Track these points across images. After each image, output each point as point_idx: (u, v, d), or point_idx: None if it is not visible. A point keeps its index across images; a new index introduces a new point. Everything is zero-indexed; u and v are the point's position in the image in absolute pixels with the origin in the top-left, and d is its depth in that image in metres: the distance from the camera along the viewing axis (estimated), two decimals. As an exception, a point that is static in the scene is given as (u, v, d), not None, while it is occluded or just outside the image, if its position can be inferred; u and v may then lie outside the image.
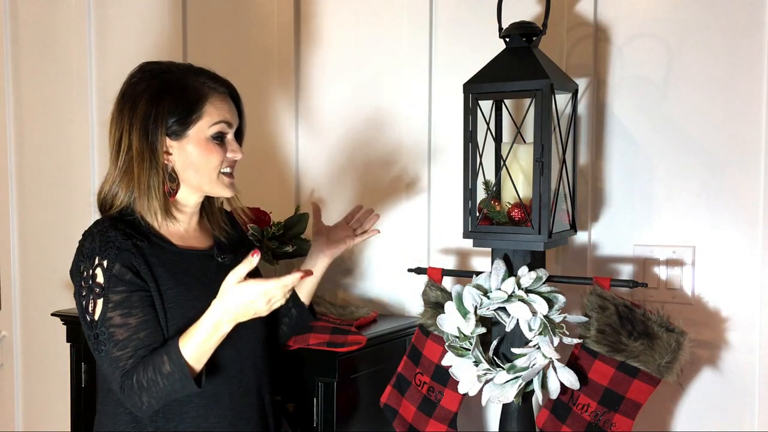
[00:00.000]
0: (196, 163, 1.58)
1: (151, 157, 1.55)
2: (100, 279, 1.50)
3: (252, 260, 1.44)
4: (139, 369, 1.47)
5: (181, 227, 1.64)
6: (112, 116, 1.60)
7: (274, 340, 1.81)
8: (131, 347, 1.49)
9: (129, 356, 1.48)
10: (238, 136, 1.68)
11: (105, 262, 1.50)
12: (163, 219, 1.59)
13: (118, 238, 1.52)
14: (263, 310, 1.48)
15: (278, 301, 1.48)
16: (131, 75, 1.61)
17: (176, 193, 1.61)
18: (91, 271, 1.51)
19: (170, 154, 1.58)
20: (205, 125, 1.58)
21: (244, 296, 1.45)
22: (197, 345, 1.47)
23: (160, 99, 1.55)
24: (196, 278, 1.59)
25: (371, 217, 1.90)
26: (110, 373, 1.49)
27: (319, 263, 1.82)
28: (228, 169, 1.62)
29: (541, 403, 1.74)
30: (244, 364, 1.59)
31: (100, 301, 1.50)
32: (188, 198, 1.63)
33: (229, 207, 1.77)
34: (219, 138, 1.60)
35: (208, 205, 1.71)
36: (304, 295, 1.83)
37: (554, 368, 1.67)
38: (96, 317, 1.50)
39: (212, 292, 1.59)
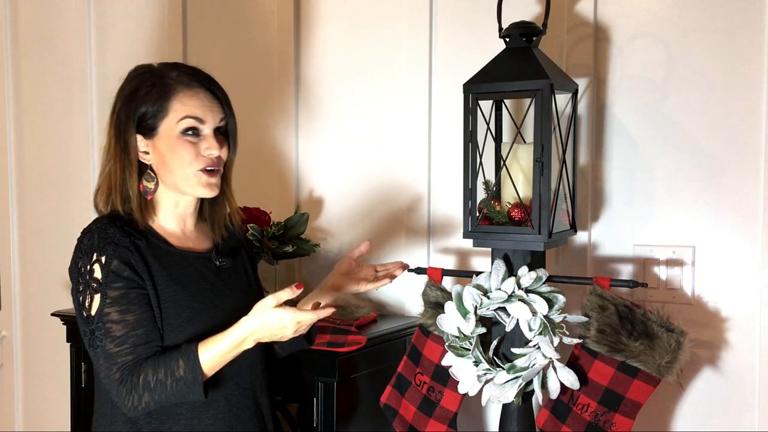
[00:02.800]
0: (168, 161, 1.57)
1: (123, 155, 1.57)
2: (97, 274, 1.50)
3: (296, 291, 1.48)
4: (148, 368, 1.47)
5: (173, 228, 1.63)
6: None
7: (271, 346, 1.80)
8: (130, 343, 1.49)
9: (128, 352, 1.48)
10: (223, 132, 1.61)
11: (103, 258, 1.50)
12: (141, 218, 1.58)
13: (116, 234, 1.52)
14: (288, 336, 1.51)
15: (303, 329, 1.52)
16: (123, 80, 1.63)
17: (153, 192, 1.60)
18: (88, 266, 1.51)
19: (147, 153, 1.58)
20: (172, 121, 1.56)
21: (279, 320, 1.48)
22: (216, 355, 1.48)
23: (132, 98, 1.57)
24: (193, 279, 1.59)
25: (399, 268, 1.87)
26: (106, 369, 1.48)
27: (329, 294, 1.81)
28: (207, 167, 1.57)
29: (541, 403, 1.74)
30: (241, 366, 1.59)
31: (97, 297, 1.49)
32: (169, 198, 1.61)
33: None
34: (192, 134, 1.56)
35: (210, 206, 1.69)
36: None
37: (554, 368, 1.67)
38: (93, 313, 1.49)
39: (209, 294, 1.60)
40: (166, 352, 1.49)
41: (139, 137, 1.58)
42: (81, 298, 1.51)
